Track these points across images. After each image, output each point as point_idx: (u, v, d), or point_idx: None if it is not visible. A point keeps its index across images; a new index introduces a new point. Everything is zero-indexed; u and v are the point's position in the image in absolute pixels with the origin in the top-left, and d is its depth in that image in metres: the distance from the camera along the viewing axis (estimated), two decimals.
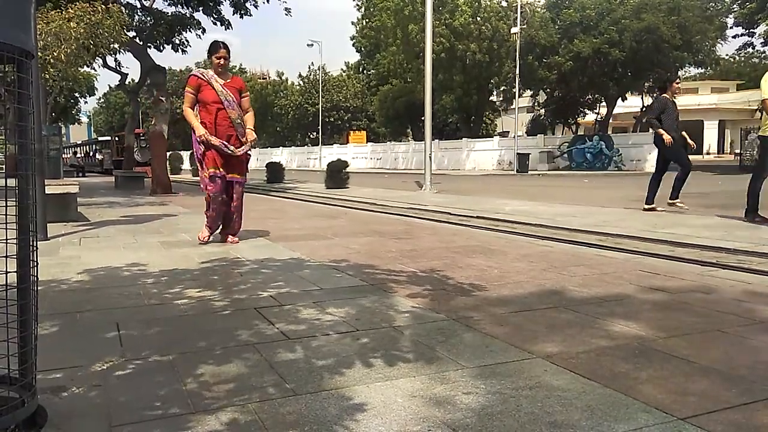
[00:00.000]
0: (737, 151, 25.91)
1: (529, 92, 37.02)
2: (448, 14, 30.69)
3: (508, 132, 41.95)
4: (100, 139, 43.95)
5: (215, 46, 5.17)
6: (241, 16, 15.93)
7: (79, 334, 2.56)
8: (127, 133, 22.89)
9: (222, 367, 2.11)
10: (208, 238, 5.30)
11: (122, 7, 10.07)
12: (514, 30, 28.39)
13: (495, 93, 37.74)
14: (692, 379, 2.00)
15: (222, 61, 5.15)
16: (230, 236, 5.37)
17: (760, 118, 6.83)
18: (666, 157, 7.93)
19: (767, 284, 3.53)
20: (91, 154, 41.87)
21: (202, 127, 5.05)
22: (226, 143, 5.09)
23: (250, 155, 5.42)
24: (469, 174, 28.80)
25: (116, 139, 34.07)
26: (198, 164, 5.33)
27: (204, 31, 16.76)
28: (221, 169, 5.12)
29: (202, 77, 5.14)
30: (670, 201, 7.95)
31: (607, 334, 2.51)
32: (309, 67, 55.69)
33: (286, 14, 16.67)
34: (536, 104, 38.57)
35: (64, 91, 34.42)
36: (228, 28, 16.47)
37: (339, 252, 4.75)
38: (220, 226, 5.40)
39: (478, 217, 7.58)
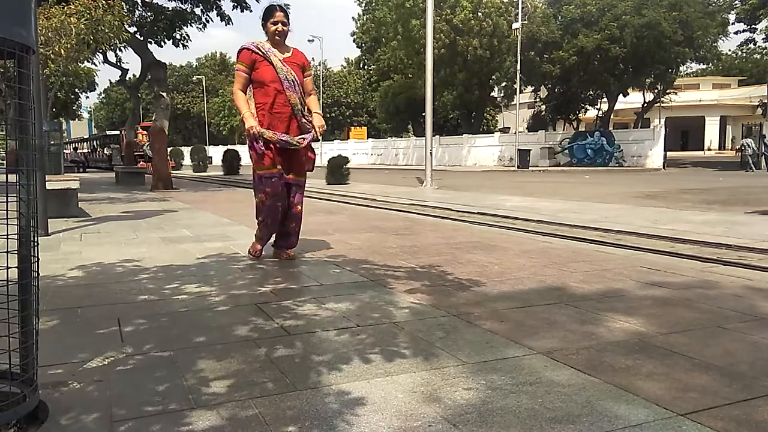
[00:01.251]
0: (738, 147, 25.90)
1: (530, 88, 36.96)
2: (449, 10, 30.63)
3: (509, 128, 41.90)
4: (108, 133, 40.11)
5: (271, 10, 4.10)
6: (242, 10, 15.90)
7: (80, 330, 2.57)
8: (128, 128, 22.83)
9: (222, 363, 2.12)
10: (260, 252, 4.32)
11: (123, 2, 10.05)
12: (515, 26, 28.33)
13: (496, 89, 37.68)
14: (692, 375, 2.00)
15: (280, 27, 4.06)
16: (286, 250, 4.35)
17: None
18: None
19: None
20: (98, 149, 38.94)
21: (252, 118, 4.00)
22: (286, 136, 4.06)
23: (315, 154, 4.40)
24: (469, 170, 28.78)
25: (124, 133, 31.18)
26: (251, 159, 4.28)
27: (205, 26, 16.73)
28: (279, 167, 4.10)
29: (258, 51, 4.04)
30: None
31: (607, 330, 2.51)
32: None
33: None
34: (537, 100, 38.52)
35: (64, 87, 34.38)
36: (227, 23, 16.44)
37: (339, 248, 4.75)
38: (273, 237, 4.42)
39: (478, 213, 7.58)
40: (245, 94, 4.11)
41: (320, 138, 4.35)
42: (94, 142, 41.77)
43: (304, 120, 4.15)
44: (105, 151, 36.20)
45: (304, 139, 4.14)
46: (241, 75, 4.08)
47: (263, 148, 4.03)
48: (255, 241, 4.37)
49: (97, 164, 36.21)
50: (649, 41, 28.53)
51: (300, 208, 4.32)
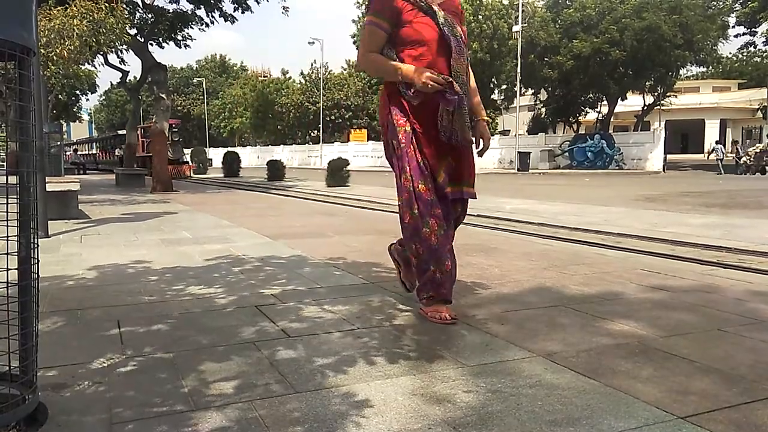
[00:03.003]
0: (710, 150, 26.45)
1: (530, 91, 36.98)
2: None
3: (509, 130, 41.90)
4: (119, 132, 35.03)
5: None
6: (243, 11, 15.92)
7: (80, 332, 2.57)
8: (128, 130, 22.80)
9: (223, 365, 2.12)
10: (449, 316, 2.63)
11: (124, 4, 10.08)
12: (515, 29, 28.37)
13: (496, 92, 37.70)
14: (692, 378, 2.00)
15: None
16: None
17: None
18: None
19: None
20: (107, 150, 34.79)
21: (419, 68, 2.52)
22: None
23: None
24: None
25: (140, 131, 25.96)
26: (395, 168, 2.72)
27: (207, 26, 16.75)
28: (442, 176, 2.63)
29: None
30: None
31: (607, 332, 2.51)
32: (312, 65, 55.68)
33: (284, 13, 16.61)
34: (537, 103, 38.54)
35: (65, 89, 34.39)
36: (233, 22, 16.45)
37: (340, 250, 4.75)
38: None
39: (478, 216, 7.57)
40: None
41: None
42: (103, 142, 38.23)
43: (469, 117, 2.65)
44: (116, 152, 32.65)
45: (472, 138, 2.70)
46: (376, 33, 2.64)
47: (452, 97, 2.49)
48: (432, 305, 2.69)
49: (106, 166, 33.05)
50: (649, 44, 28.57)
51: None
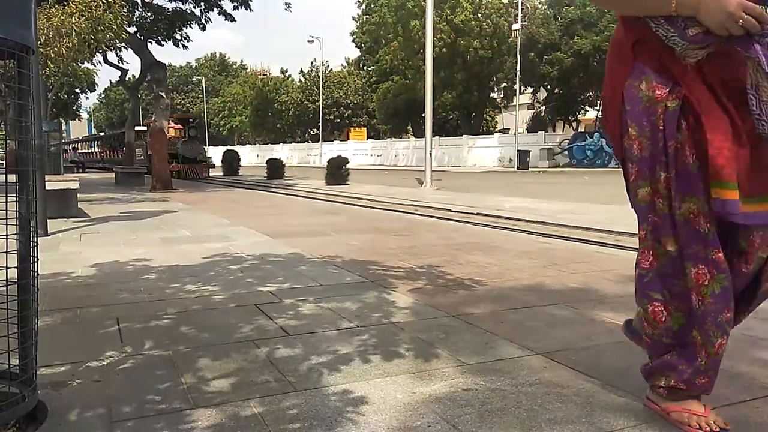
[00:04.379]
0: None
1: (529, 89, 36.98)
2: (449, 11, 30.67)
3: (509, 129, 41.91)
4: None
5: None
6: (246, 8, 15.90)
7: (79, 330, 2.57)
8: (127, 129, 22.74)
9: (222, 363, 2.12)
10: (711, 423, 1.56)
11: (123, 2, 10.09)
12: (515, 27, 28.37)
13: (496, 90, 37.72)
14: None
15: None
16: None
17: None
18: None
19: None
20: (115, 147, 31.73)
21: None
22: None
23: None
24: (469, 171, 28.79)
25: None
26: (631, 173, 1.71)
27: (204, 26, 16.73)
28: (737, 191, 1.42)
29: None
30: None
31: (607, 331, 2.51)
32: (311, 64, 55.67)
33: (286, 9, 16.62)
34: (537, 101, 38.54)
35: (64, 87, 34.28)
36: (232, 21, 16.43)
37: (339, 248, 4.75)
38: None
39: (478, 214, 7.58)
40: None
41: None
42: (110, 139, 35.45)
43: None
44: (123, 150, 28.81)
45: None
46: None
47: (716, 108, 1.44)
48: (679, 399, 1.64)
49: (112, 165, 29.31)
50: None
51: None
